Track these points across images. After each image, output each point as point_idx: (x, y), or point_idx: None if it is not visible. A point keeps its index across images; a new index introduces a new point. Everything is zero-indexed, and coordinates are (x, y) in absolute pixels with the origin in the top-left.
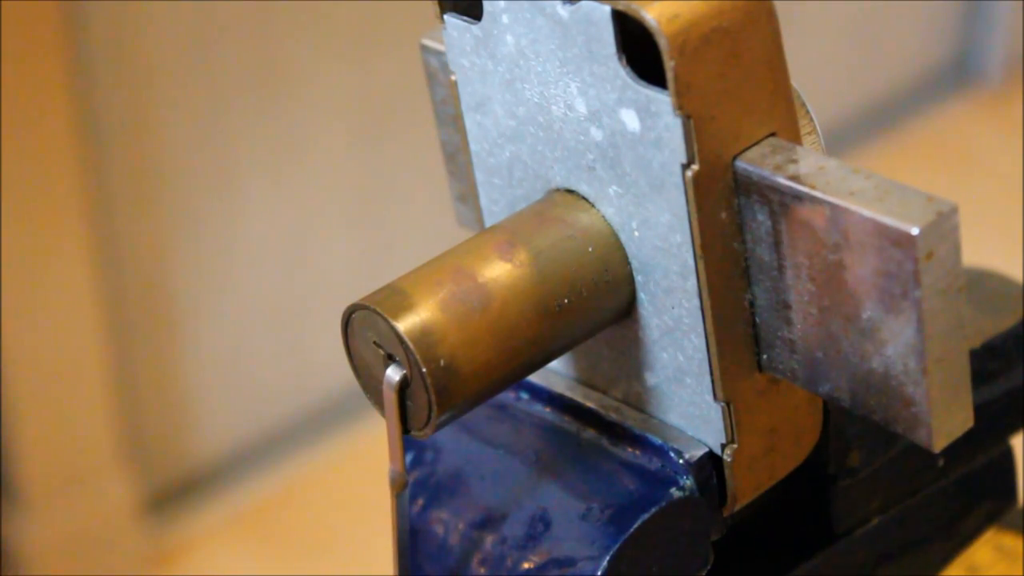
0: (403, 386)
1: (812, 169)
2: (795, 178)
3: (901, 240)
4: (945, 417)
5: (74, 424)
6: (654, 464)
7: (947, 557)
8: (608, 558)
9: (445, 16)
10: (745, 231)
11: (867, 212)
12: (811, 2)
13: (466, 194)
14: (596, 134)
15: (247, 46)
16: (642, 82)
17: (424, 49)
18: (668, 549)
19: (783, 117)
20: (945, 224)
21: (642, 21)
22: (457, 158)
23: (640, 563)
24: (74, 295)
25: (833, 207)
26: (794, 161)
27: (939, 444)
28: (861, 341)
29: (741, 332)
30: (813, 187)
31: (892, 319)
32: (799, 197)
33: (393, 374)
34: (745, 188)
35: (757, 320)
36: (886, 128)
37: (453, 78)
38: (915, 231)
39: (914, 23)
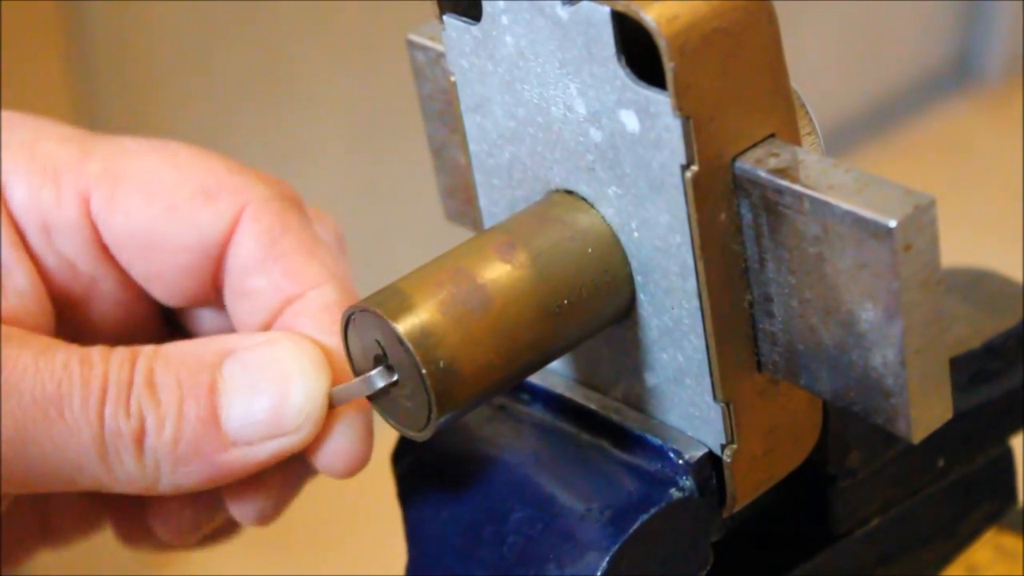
0: (388, 388)
1: (792, 163)
2: (776, 172)
3: (879, 232)
4: (924, 408)
5: None
6: (654, 465)
7: (947, 557)
8: (608, 558)
9: (444, 17)
10: (744, 231)
11: (846, 205)
12: (811, 2)
13: (453, 189)
14: (595, 135)
15: (247, 47)
16: (641, 83)
17: (411, 45)
18: (668, 550)
19: (783, 118)
20: (923, 217)
21: (641, 22)
22: (443, 153)
23: (640, 564)
24: None
25: (813, 200)
26: (781, 157)
27: (918, 435)
28: (841, 333)
29: (741, 332)
30: (794, 180)
31: (871, 311)
32: (780, 190)
33: (378, 379)
34: (744, 189)
35: (755, 320)
36: (886, 128)
37: (453, 79)
38: (892, 223)
39: (914, 23)
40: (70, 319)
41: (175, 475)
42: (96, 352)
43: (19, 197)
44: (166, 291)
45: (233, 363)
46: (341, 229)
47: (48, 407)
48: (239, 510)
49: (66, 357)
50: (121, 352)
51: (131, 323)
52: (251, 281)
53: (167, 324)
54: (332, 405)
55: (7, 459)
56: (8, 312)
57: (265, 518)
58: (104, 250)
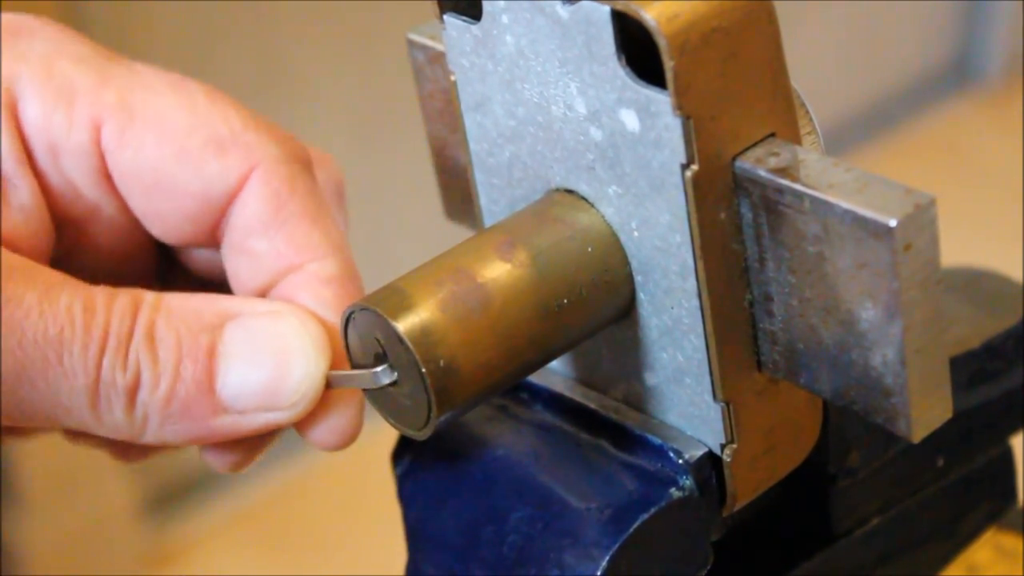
0: (388, 386)
1: (792, 162)
2: (776, 171)
3: (879, 232)
4: (924, 408)
5: None
6: (654, 464)
7: (947, 557)
8: (608, 558)
9: (445, 16)
10: (744, 230)
11: (846, 204)
12: (811, 2)
13: (453, 188)
14: (596, 134)
15: (247, 47)
16: (642, 82)
17: (411, 44)
18: (668, 549)
19: (782, 117)
20: (923, 216)
21: (642, 21)
22: (443, 152)
23: (640, 563)
24: None
25: (813, 199)
26: (781, 156)
27: (918, 435)
28: (841, 332)
29: (740, 332)
30: (794, 180)
31: (871, 311)
32: (780, 190)
33: (383, 376)
34: (745, 188)
35: (755, 319)
36: (886, 128)
37: (453, 78)
38: (893, 223)
39: (914, 23)
40: (69, 241)
41: (162, 431)
42: (100, 297)
43: (32, 115)
44: (164, 230)
45: (235, 328)
46: (342, 175)
47: (48, 350)
48: (212, 458)
49: (69, 300)
50: (124, 300)
51: (128, 251)
52: (253, 242)
53: (163, 255)
54: (330, 386)
55: None
56: (10, 227)
57: (236, 467)
58: (109, 180)
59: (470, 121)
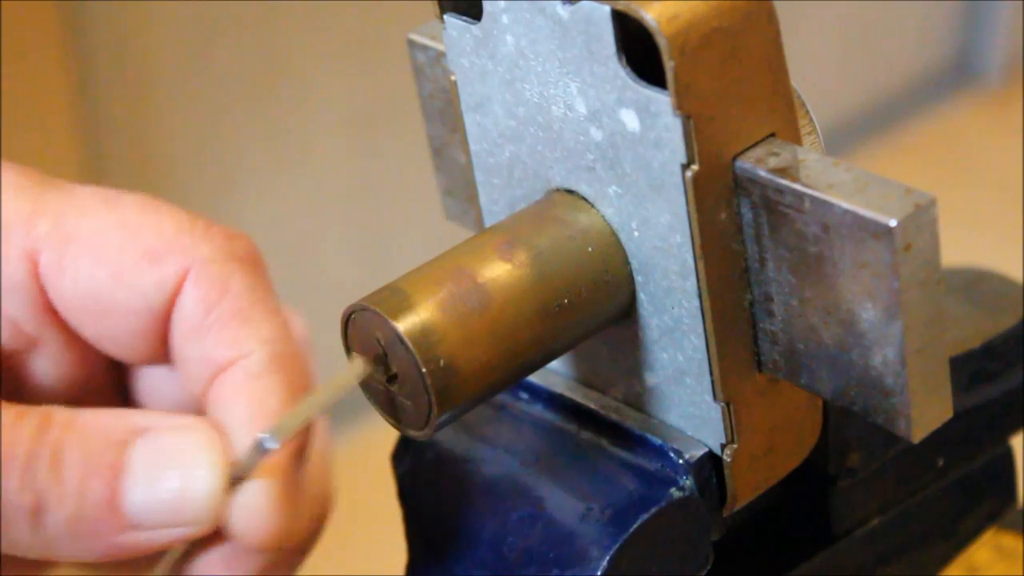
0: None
1: (792, 162)
2: (776, 171)
3: (879, 232)
4: (924, 408)
5: None
6: (654, 464)
7: (947, 557)
8: (608, 558)
9: (445, 16)
10: (744, 230)
11: (846, 204)
12: (811, 2)
13: (453, 188)
14: (596, 134)
15: (247, 47)
16: (642, 82)
17: (411, 44)
18: (668, 549)
19: (783, 117)
20: (923, 216)
21: (642, 21)
22: (444, 152)
23: (640, 563)
24: None
25: (813, 199)
26: (781, 156)
27: (918, 435)
28: (841, 332)
29: (741, 332)
30: (794, 180)
31: (871, 311)
32: (780, 190)
33: (359, 366)
34: (745, 188)
35: (756, 319)
36: (886, 128)
37: (453, 78)
38: (893, 223)
39: (914, 23)
40: (8, 374)
41: (72, 549)
42: (8, 418)
43: None
44: (119, 350)
45: (142, 444)
46: (304, 329)
47: None
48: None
49: None
50: (31, 420)
51: (82, 375)
52: (188, 349)
53: (119, 377)
54: (237, 482)
55: None
56: None
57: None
58: (50, 311)
59: (470, 121)
